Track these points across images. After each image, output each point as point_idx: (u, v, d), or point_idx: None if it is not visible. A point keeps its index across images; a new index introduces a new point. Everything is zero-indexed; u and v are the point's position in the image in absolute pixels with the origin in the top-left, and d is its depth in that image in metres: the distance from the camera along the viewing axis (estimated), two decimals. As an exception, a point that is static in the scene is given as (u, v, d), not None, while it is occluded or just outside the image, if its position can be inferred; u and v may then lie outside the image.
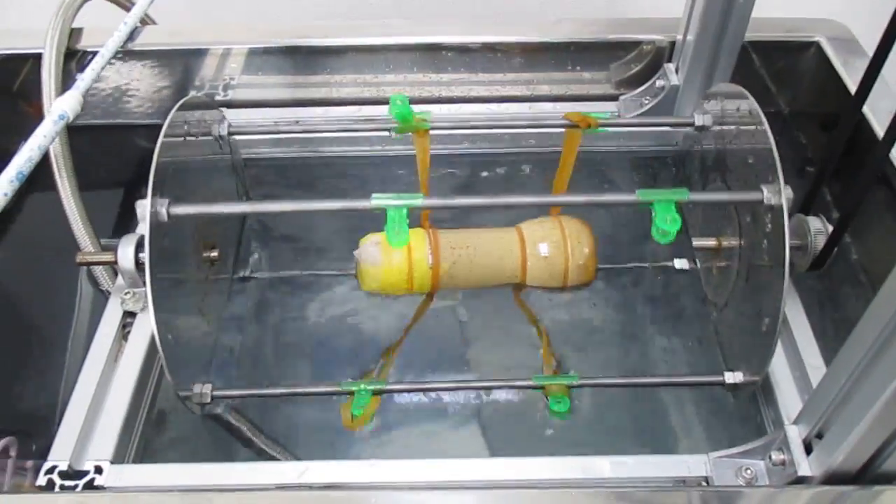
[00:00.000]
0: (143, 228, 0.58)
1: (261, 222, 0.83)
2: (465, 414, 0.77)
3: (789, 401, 0.60)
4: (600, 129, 0.67)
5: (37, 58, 0.76)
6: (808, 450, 0.50)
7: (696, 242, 0.72)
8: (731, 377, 0.61)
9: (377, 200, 0.59)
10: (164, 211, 0.58)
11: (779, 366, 0.62)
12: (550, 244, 0.72)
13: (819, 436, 0.49)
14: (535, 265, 0.71)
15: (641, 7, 1.12)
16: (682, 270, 0.76)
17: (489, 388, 0.77)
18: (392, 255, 0.70)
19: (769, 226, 0.58)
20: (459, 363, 0.81)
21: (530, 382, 0.64)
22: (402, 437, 0.74)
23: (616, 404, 0.76)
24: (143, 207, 0.57)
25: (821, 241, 0.63)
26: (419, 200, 0.59)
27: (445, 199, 0.63)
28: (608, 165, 0.85)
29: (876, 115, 0.73)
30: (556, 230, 0.72)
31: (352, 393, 0.62)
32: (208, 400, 0.61)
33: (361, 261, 0.70)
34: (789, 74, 0.85)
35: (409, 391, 0.72)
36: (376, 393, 0.63)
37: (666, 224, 0.57)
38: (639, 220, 0.83)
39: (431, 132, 0.68)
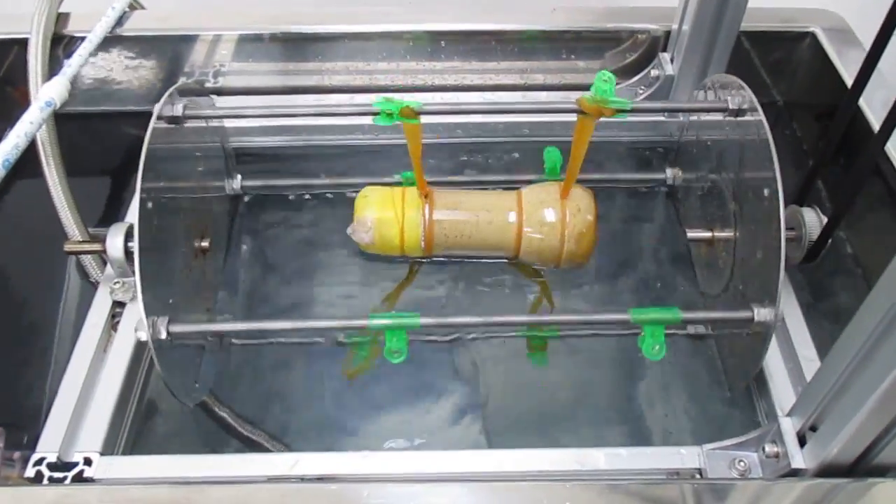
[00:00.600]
0: (133, 217, 0.57)
1: (252, 212, 0.82)
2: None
3: (783, 393, 0.60)
4: (618, 115, 0.63)
5: (23, 43, 0.75)
6: (802, 442, 0.50)
7: (691, 234, 0.71)
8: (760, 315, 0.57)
9: (375, 321, 0.59)
10: (163, 329, 0.57)
11: (773, 357, 0.62)
12: (546, 233, 0.70)
13: (813, 428, 0.49)
14: (528, 251, 0.71)
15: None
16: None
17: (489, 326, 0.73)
18: (384, 235, 0.70)
19: (764, 217, 0.58)
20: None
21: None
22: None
23: (608, 391, 0.75)
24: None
25: (815, 233, 0.62)
26: (417, 320, 0.58)
27: (440, 318, 0.61)
28: (603, 155, 0.84)
29: (871, 107, 0.73)
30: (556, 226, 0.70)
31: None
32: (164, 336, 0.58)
33: (354, 238, 0.71)
34: (785, 65, 0.84)
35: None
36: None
37: (653, 352, 0.59)
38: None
39: (425, 122, 0.67)
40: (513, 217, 0.70)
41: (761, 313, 0.56)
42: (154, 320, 0.56)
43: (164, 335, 0.56)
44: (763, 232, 0.58)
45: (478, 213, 0.71)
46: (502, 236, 0.71)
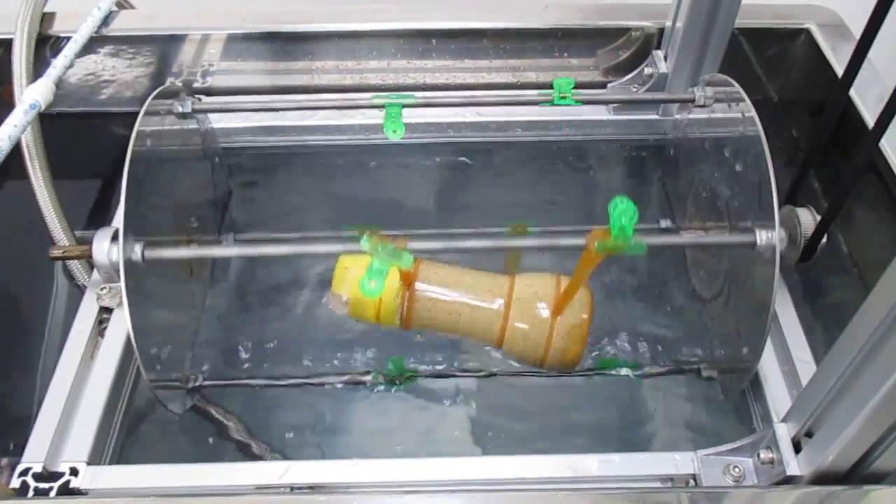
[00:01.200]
0: (119, 219, 0.56)
1: (241, 214, 0.81)
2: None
3: (778, 397, 0.59)
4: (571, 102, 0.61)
5: (7, 44, 0.74)
6: (798, 448, 0.49)
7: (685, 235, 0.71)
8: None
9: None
10: (139, 253, 0.56)
11: (768, 360, 0.61)
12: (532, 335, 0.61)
13: (808, 434, 0.49)
14: (512, 348, 0.63)
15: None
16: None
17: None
18: (359, 313, 0.63)
19: (758, 217, 0.57)
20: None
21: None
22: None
23: (603, 397, 0.75)
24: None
25: (810, 232, 0.62)
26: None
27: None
28: (596, 154, 0.84)
29: (865, 102, 0.72)
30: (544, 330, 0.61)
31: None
32: (188, 385, 0.59)
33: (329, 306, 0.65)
34: (779, 62, 0.84)
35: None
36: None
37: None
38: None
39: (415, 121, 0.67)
40: (497, 321, 0.62)
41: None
42: (136, 319, 0.55)
43: (153, 351, 0.56)
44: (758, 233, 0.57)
45: (460, 313, 0.63)
46: (485, 335, 0.64)
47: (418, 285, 0.63)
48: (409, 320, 0.63)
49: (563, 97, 0.62)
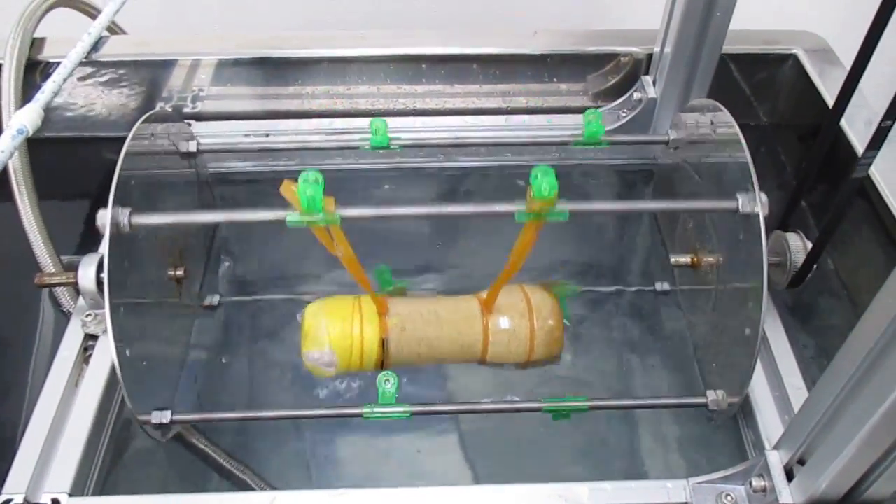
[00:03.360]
0: (104, 245, 0.55)
1: (230, 240, 0.81)
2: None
3: (770, 423, 0.58)
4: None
5: (-4, 69, 0.74)
6: (790, 476, 0.48)
7: (674, 259, 0.70)
8: (713, 395, 0.60)
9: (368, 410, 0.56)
10: (125, 221, 0.55)
11: (759, 386, 0.61)
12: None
13: (801, 461, 0.48)
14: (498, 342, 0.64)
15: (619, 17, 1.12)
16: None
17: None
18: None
19: (746, 243, 0.57)
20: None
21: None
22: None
23: (592, 423, 0.74)
24: (104, 218, 0.55)
25: (800, 259, 0.62)
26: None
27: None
28: (586, 179, 0.84)
29: (852, 127, 0.72)
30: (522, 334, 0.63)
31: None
32: (167, 421, 0.58)
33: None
34: (767, 86, 0.84)
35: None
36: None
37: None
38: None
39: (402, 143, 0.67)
40: (478, 316, 0.63)
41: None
42: (121, 346, 0.54)
43: (138, 378, 0.55)
44: (746, 258, 0.57)
45: (439, 315, 0.63)
46: (468, 332, 0.64)
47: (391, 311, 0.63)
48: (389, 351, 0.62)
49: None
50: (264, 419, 0.61)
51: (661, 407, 0.69)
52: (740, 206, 0.56)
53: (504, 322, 0.63)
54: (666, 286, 0.77)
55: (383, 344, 0.62)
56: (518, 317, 0.63)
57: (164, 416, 0.58)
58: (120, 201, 0.55)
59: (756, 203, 0.55)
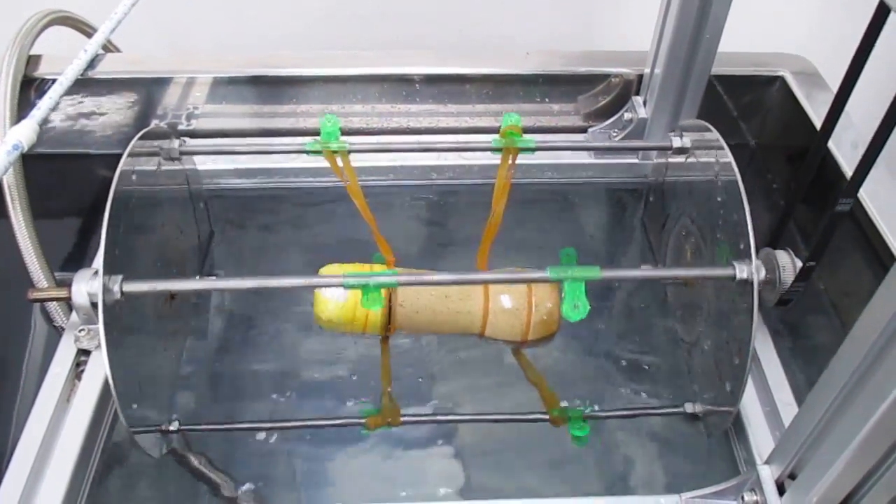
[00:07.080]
0: (98, 264, 0.56)
1: (222, 256, 0.81)
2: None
3: (761, 438, 0.59)
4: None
5: (-8, 85, 0.74)
6: (781, 490, 0.49)
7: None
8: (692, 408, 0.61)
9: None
10: (117, 288, 0.54)
11: (750, 402, 0.61)
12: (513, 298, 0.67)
13: (792, 476, 0.48)
14: (496, 321, 0.68)
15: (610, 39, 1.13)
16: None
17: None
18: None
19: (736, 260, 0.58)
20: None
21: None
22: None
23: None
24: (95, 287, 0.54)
25: (789, 276, 0.62)
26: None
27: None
28: (577, 198, 0.85)
29: (840, 148, 0.74)
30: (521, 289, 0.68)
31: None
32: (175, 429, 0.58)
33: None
34: (756, 108, 0.86)
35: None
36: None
37: (573, 311, 0.54)
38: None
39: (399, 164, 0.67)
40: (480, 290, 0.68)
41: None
42: (115, 361, 0.54)
43: (131, 393, 0.55)
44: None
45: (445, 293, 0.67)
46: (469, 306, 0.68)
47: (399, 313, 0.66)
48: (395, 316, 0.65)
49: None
50: (263, 429, 0.61)
51: (650, 414, 0.69)
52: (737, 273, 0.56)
53: (505, 299, 0.67)
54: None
55: (390, 299, 0.65)
56: (518, 296, 0.67)
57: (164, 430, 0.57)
58: (114, 219, 0.55)
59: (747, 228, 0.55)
